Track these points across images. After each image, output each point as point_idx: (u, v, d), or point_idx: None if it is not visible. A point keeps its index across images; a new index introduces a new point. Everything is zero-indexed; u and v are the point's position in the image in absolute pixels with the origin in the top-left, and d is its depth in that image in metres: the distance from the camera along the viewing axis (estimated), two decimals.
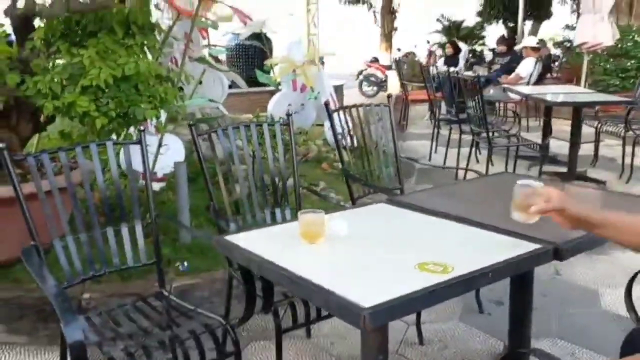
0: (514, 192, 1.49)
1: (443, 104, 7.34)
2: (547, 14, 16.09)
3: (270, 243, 1.65)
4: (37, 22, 2.95)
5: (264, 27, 4.67)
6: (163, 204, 3.47)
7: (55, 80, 2.57)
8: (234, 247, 1.62)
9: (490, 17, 15.23)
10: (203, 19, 3.98)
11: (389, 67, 12.96)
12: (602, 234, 1.38)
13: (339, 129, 2.88)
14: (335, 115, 2.85)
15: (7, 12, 2.84)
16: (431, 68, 10.03)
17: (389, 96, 3.14)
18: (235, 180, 2.38)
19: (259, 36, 7.29)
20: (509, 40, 9.62)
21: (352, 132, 2.91)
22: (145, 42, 2.94)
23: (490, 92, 7.41)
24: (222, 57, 8.61)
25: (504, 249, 1.53)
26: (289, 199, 2.56)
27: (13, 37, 2.99)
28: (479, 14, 15.79)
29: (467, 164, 5.14)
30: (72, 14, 2.77)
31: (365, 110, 3.00)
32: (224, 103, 5.74)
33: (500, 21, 15.42)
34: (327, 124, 3.54)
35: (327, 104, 2.87)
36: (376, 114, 3.06)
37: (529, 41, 7.55)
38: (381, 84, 13.17)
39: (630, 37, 8.04)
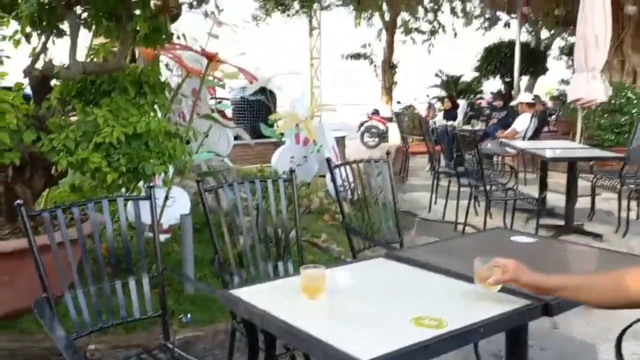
0: (474, 266, 1.62)
1: (442, 157, 7.51)
2: (543, 70, 16.54)
3: (272, 297, 1.72)
4: (53, 82, 3.12)
5: (268, 84, 4.86)
6: (168, 255, 3.54)
7: (70, 137, 2.70)
8: (237, 300, 1.69)
9: (487, 73, 15.66)
10: (210, 78, 4.18)
11: (389, 119, 13.27)
12: (563, 296, 1.50)
13: (339, 183, 2.99)
14: (336, 169, 2.97)
15: (26, 72, 3.01)
16: (430, 121, 10.29)
17: (387, 152, 3.26)
18: (240, 233, 2.47)
19: (263, 90, 7.56)
20: (505, 95, 9.91)
21: (352, 187, 3.01)
22: (156, 100, 3.10)
23: (488, 145, 7.58)
24: (228, 110, 8.88)
25: (496, 304, 1.60)
26: (292, 251, 2.64)
27: (28, 90, 3.15)
28: (477, 69, 16.24)
29: (466, 217, 5.23)
30: (87, 75, 2.95)
31: (365, 165, 3.12)
32: (230, 154, 5.89)
33: (498, 76, 15.83)
34: (329, 176, 3.66)
35: (328, 160, 2.99)
36: (376, 169, 3.18)
37: (525, 97, 7.80)
38: (382, 135, 13.44)
39: (623, 94, 8.29)
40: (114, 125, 2.66)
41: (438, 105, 13.76)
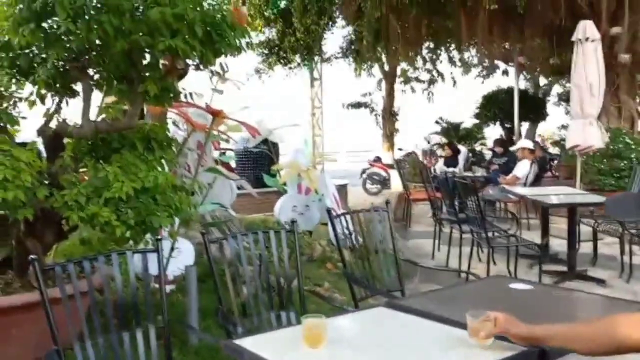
0: (467, 320, 1.70)
1: (444, 203, 7.58)
2: (543, 116, 16.81)
3: (276, 346, 1.78)
4: (66, 140, 3.26)
5: (271, 136, 5.02)
6: (172, 306, 3.58)
7: (82, 192, 2.81)
8: (242, 350, 1.75)
9: (487, 119, 15.93)
10: (215, 132, 4.33)
11: (391, 166, 13.44)
12: (552, 344, 1.56)
13: (341, 232, 3.07)
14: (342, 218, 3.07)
15: (39, 132, 3.16)
16: (432, 168, 10.43)
17: (387, 202, 3.35)
18: (243, 282, 2.53)
19: (265, 141, 7.75)
20: (506, 141, 10.08)
21: (353, 236, 3.09)
22: (164, 155, 3.23)
23: (490, 192, 7.67)
24: (232, 161, 9.06)
25: (492, 352, 1.65)
26: (294, 300, 2.69)
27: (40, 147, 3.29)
28: (476, 116, 16.53)
29: (469, 264, 5.26)
30: (99, 133, 3.09)
31: (365, 215, 3.21)
32: (233, 204, 5.99)
33: (498, 123, 16.09)
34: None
35: (329, 210, 3.08)
36: (377, 217, 3.27)
37: (525, 143, 7.95)
38: (384, 182, 13.58)
39: (621, 139, 8.43)
40: (123, 180, 2.77)
41: (439, 152, 13.94)
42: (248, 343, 1.80)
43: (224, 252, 2.65)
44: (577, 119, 6.97)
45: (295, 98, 17.12)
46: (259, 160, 9.02)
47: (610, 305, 2.20)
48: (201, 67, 3.08)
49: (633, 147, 8.49)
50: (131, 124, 3.10)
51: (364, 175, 13.79)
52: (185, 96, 3.67)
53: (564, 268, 5.29)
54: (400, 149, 15.43)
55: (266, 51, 14.35)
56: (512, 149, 8.49)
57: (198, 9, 2.74)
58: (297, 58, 14.34)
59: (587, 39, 6.85)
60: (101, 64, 3.10)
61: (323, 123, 16.16)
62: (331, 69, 16.97)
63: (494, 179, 8.33)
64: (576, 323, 1.56)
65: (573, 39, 6.94)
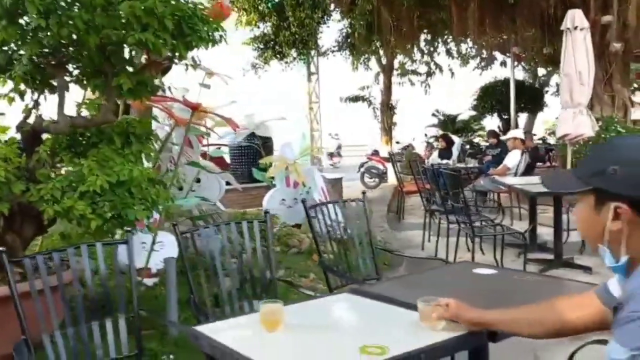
0: (418, 306, 1.74)
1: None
2: (541, 107, 16.79)
3: (234, 332, 1.82)
4: (45, 135, 3.30)
5: (258, 129, 5.05)
6: (155, 299, 3.63)
7: (57, 186, 2.85)
8: (201, 336, 1.79)
9: (485, 111, 15.93)
10: (199, 127, 4.37)
11: (389, 160, 13.46)
12: (500, 329, 1.60)
13: (325, 223, 3.11)
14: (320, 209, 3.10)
15: (18, 127, 3.20)
16: (426, 160, 10.45)
17: (363, 192, 3.38)
18: (215, 273, 2.57)
19: (253, 135, 7.78)
20: (503, 132, 10.09)
21: (330, 227, 3.13)
22: (142, 149, 3.27)
23: (481, 182, 7.69)
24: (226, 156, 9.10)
25: (440, 332, 1.68)
26: (269, 290, 2.73)
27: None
28: (474, 107, 16.53)
29: (455, 253, 5.28)
30: (76, 128, 3.13)
31: (340, 206, 3.24)
32: (224, 199, 6.03)
33: (495, 114, 16.09)
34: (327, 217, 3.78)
35: (304, 201, 3.11)
36: (353, 208, 3.31)
37: (515, 134, 7.95)
38: (382, 176, 13.60)
39: (613, 127, 8.43)
40: (97, 174, 2.81)
41: (436, 144, 13.96)
42: (207, 329, 1.84)
43: (197, 244, 2.69)
44: (567, 108, 6.96)
45: (292, 92, 17.14)
46: (254, 155, 9.06)
47: (569, 289, 2.23)
48: (175, 60, 3.11)
49: (625, 135, 8.48)
50: (107, 118, 3.13)
51: (362, 169, 13.81)
52: (164, 90, 3.71)
53: (551, 256, 5.31)
54: (397, 142, 15.45)
55: (262, 46, 14.35)
56: (502, 138, 8.50)
57: (168, 2, 2.77)
58: (293, 52, 14.34)
59: (575, 28, 6.83)
60: (79, 59, 3.14)
61: (321, 117, 16.19)
62: (328, 62, 16.95)
63: (486, 169, 8.35)
64: (522, 307, 1.59)
65: (562, 27, 6.92)
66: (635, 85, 10.80)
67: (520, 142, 7.49)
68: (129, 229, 2.45)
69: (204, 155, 5.27)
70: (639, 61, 10.75)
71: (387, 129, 17.63)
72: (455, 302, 1.68)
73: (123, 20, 2.73)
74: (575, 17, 6.87)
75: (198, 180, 4.91)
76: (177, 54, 2.90)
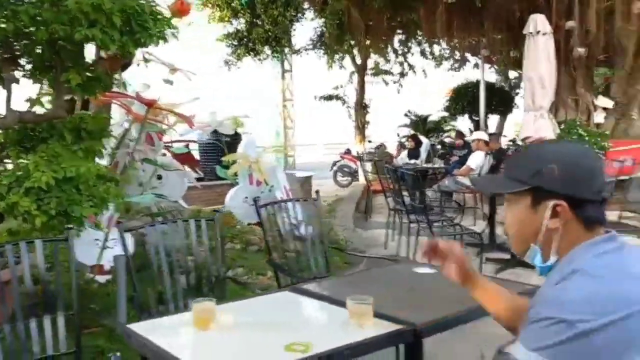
0: (347, 304, 1.78)
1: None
2: (511, 108, 17.08)
3: (166, 331, 1.83)
4: None
5: (220, 127, 5.05)
6: (107, 296, 3.61)
7: (3, 182, 2.82)
8: (132, 334, 1.80)
9: (456, 112, 16.14)
10: (158, 124, 4.35)
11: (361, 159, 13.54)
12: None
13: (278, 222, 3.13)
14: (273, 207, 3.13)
15: None
16: (394, 160, 10.55)
17: (317, 191, 3.42)
18: (160, 270, 2.57)
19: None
20: (466, 134, 10.25)
21: (283, 226, 3.15)
22: (94, 146, 3.25)
23: (446, 183, 7.80)
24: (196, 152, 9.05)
25: (367, 330, 1.73)
26: (218, 289, 2.75)
27: None
28: (446, 108, 16.73)
29: (415, 252, 5.36)
30: (25, 123, 3.09)
31: (293, 205, 3.27)
32: (188, 196, 6.00)
33: (466, 115, 16.31)
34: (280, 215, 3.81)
35: (255, 200, 3.13)
36: (309, 208, 3.34)
37: (479, 135, 8.08)
38: (354, 174, 13.69)
39: (575, 130, 8.64)
40: (44, 170, 2.78)
41: (407, 144, 14.10)
42: (140, 327, 1.85)
43: (145, 242, 2.69)
44: (529, 111, 7.12)
45: (266, 90, 17.08)
46: (219, 153, 9.03)
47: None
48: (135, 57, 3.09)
49: (587, 138, 8.70)
50: (57, 114, 3.10)
51: (335, 168, 13.88)
52: (118, 86, 3.68)
53: (508, 256, 5.42)
54: (370, 142, 15.54)
55: (235, 42, 14.29)
56: (467, 139, 8.63)
57: None
58: (267, 50, 14.32)
59: (538, 32, 6.99)
60: (30, 53, 3.11)
61: (294, 115, 16.20)
62: (303, 61, 16.98)
63: (452, 170, 8.47)
64: (504, 290, 1.50)
65: (524, 32, 7.07)
66: (599, 90, 11.09)
67: (483, 144, 7.61)
68: (70, 226, 2.43)
69: (167, 152, 5.25)
70: (602, 66, 11.04)
71: (361, 128, 17.75)
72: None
73: (71, 16, 2.71)
74: (537, 22, 7.03)
75: (160, 177, 4.89)
76: (125, 50, 2.88)
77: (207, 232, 2.74)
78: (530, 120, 7.21)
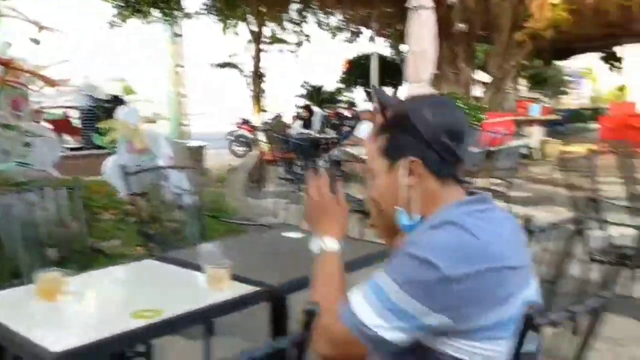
0: (205, 270, 1.79)
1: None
2: (401, 81, 17.74)
3: (6, 301, 1.72)
4: None
5: (94, 92, 4.76)
6: None
7: None
8: None
9: (350, 83, 16.50)
10: (21, 88, 4.01)
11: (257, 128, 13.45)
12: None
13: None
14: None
15: None
16: (288, 130, 10.60)
17: (198, 160, 3.35)
18: (16, 241, 2.41)
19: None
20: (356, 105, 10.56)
21: (149, 195, 3.06)
22: None
23: (335, 152, 7.98)
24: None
25: (228, 292, 1.74)
26: (80, 260, 2.62)
27: None
28: (342, 80, 17.04)
29: (301, 219, 5.47)
30: None
31: (168, 173, 3.19)
32: (67, 165, 5.64)
33: (361, 87, 16.75)
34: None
35: (124, 168, 3.01)
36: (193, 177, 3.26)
37: (366, 106, 8.34)
38: (250, 144, 13.60)
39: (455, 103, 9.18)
40: None
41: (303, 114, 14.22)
42: None
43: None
44: (410, 82, 7.43)
45: (159, 56, 16.32)
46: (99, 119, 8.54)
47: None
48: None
49: (467, 110, 9.29)
50: None
51: (231, 137, 13.69)
52: None
53: None
54: (265, 111, 15.49)
55: (122, 3, 13.44)
56: (356, 110, 8.87)
57: None
58: (157, 12, 13.61)
59: (421, 7, 7.26)
60: None
61: (187, 82, 15.63)
62: (197, 26, 16.37)
63: (343, 140, 8.68)
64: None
65: (407, 5, 7.32)
66: (481, 65, 11.85)
67: (370, 114, 7.85)
68: None
69: (38, 117, 4.87)
70: (484, 42, 11.75)
71: (257, 97, 17.59)
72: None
73: None
74: None
75: (27, 145, 4.53)
76: None
77: (69, 202, 2.59)
78: (412, 92, 7.54)
